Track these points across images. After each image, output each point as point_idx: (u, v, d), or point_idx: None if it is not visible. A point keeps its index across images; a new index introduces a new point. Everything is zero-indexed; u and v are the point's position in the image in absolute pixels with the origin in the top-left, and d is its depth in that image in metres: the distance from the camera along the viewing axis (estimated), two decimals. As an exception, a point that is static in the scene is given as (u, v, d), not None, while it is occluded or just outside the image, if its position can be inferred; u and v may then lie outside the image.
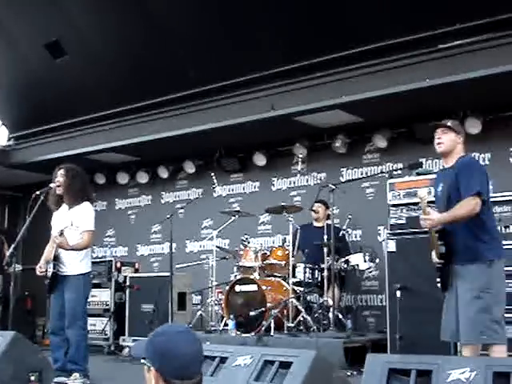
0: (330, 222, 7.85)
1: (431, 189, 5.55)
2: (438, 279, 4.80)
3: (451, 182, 4.75)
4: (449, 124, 4.96)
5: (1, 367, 4.96)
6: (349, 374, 5.96)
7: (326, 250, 7.66)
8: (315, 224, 8.53)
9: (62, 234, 6.16)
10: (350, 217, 8.44)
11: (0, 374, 4.93)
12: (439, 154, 5.05)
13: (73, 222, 6.22)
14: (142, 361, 2.37)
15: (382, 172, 8.52)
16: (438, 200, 4.95)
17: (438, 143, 4.94)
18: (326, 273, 7.59)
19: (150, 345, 2.37)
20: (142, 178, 11.44)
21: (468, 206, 4.58)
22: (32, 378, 4.99)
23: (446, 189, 4.79)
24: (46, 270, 6.28)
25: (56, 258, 6.25)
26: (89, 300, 6.84)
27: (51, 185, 6.47)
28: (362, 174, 9.18)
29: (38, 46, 10.06)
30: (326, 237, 7.64)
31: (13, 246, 6.45)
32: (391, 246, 6.85)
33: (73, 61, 10.04)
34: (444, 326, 4.77)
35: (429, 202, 4.85)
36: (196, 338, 2.44)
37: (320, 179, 9.12)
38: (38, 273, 6.35)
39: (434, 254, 4.77)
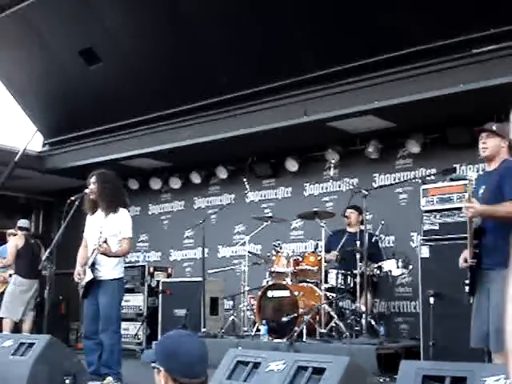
0: (362, 227, 7.83)
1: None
2: (467, 281, 4.74)
3: (494, 184, 4.71)
4: (494, 129, 4.89)
5: (36, 370, 5.02)
6: (381, 380, 5.92)
7: (358, 255, 7.63)
8: (348, 230, 8.49)
9: (106, 241, 6.21)
10: (382, 223, 8.38)
11: (35, 377, 4.99)
12: (483, 158, 4.98)
13: (111, 230, 6.29)
14: (153, 364, 2.53)
15: (414, 178, 8.47)
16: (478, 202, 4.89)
17: (483, 148, 4.88)
18: (358, 279, 7.55)
19: (158, 348, 2.56)
20: (175, 183, 11.51)
21: (510, 208, 4.56)
22: (67, 381, 5.06)
23: (488, 191, 4.75)
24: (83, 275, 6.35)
25: (94, 264, 6.31)
26: (122, 304, 6.90)
27: (86, 190, 6.54)
28: (394, 179, 9.14)
29: (73, 53, 10.18)
30: (358, 243, 7.61)
31: (48, 250, 6.54)
32: (425, 252, 6.81)
33: (107, 68, 10.15)
34: (474, 332, 4.72)
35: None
36: (201, 341, 2.66)
37: (352, 185, 9.08)
38: (76, 279, 6.42)
39: (466, 252, 4.74)
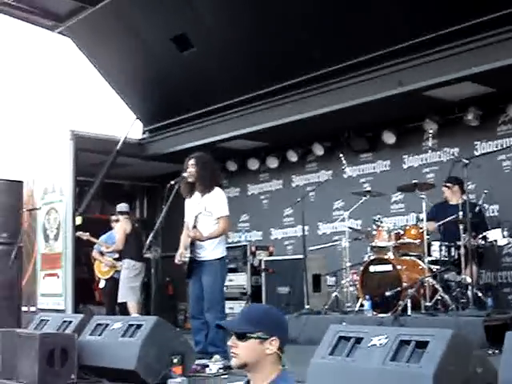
0: (465, 197, 7.63)
1: None
2: None
3: None
4: None
5: (145, 350, 5.18)
6: (490, 352, 5.77)
7: (461, 226, 7.44)
8: (450, 201, 8.29)
9: (195, 226, 6.34)
10: (485, 191, 8.13)
11: (144, 357, 5.16)
12: None
13: (206, 208, 6.42)
14: (256, 334, 2.60)
15: (518, 143, 8.18)
16: None
17: None
18: (462, 250, 7.37)
19: (264, 318, 2.65)
20: (272, 162, 11.56)
21: None
22: (175, 360, 5.18)
23: None
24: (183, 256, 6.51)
25: (192, 244, 6.45)
26: (226, 284, 7.01)
27: (184, 174, 6.66)
28: (496, 146, 8.83)
29: (165, 40, 10.35)
30: (461, 213, 7.42)
31: (151, 234, 6.71)
32: (531, 219, 6.57)
33: (199, 52, 10.27)
34: None
35: None
36: None
37: (453, 154, 8.85)
38: (176, 261, 6.58)
39: None
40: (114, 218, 10.17)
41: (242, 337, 2.63)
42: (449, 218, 7.63)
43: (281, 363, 2.66)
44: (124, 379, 5.15)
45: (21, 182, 10.51)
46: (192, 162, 6.62)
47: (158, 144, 12.15)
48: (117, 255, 9.90)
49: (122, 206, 10.14)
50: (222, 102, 10.71)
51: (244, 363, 2.64)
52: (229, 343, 2.67)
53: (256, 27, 9.53)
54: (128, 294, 9.40)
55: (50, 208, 11.21)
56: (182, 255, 6.54)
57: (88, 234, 10.17)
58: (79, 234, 10.24)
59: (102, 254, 10.19)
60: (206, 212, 6.41)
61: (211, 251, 6.51)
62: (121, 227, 9.79)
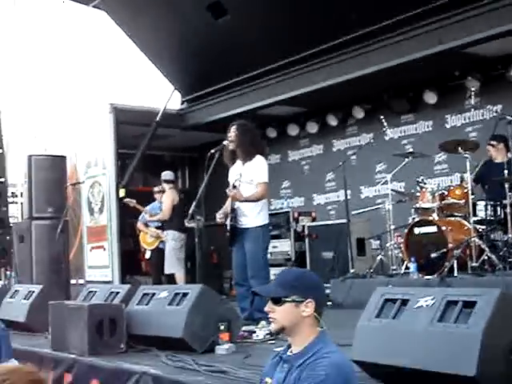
0: (510, 155, 7.47)
1: None
2: None
3: None
4: None
5: (191, 318, 5.22)
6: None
7: (507, 185, 7.30)
8: (495, 160, 8.13)
9: (235, 186, 6.37)
10: (531, 148, 7.95)
11: (191, 325, 5.20)
12: None
13: (247, 175, 6.41)
14: (290, 298, 2.63)
15: None
16: None
17: None
18: (508, 209, 7.23)
19: (298, 281, 2.69)
20: (312, 128, 11.49)
21: None
22: (221, 327, 5.21)
23: None
24: (225, 223, 6.53)
25: (233, 211, 6.47)
26: (271, 251, 7.00)
27: (224, 142, 6.67)
28: (541, 101, 8.63)
29: (199, 9, 10.28)
30: (506, 172, 7.28)
31: (194, 203, 6.73)
32: None
33: (234, 19, 10.19)
34: None
35: None
36: None
37: (496, 112, 8.66)
38: (217, 220, 6.62)
39: None
40: (156, 189, 10.23)
41: (277, 301, 2.66)
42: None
43: (319, 325, 2.68)
44: (172, 347, 5.19)
45: (64, 157, 10.62)
46: (233, 128, 6.64)
47: (197, 114, 12.16)
48: (159, 224, 9.98)
49: (167, 174, 10.10)
50: (259, 68, 10.64)
51: (282, 327, 2.67)
52: (265, 309, 2.69)
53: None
54: (175, 265, 9.51)
55: (93, 181, 11.34)
56: (220, 215, 6.57)
57: (135, 201, 10.26)
58: (126, 200, 10.34)
59: (146, 225, 10.28)
60: (242, 179, 6.41)
61: (253, 218, 6.51)
62: (168, 197, 9.78)
